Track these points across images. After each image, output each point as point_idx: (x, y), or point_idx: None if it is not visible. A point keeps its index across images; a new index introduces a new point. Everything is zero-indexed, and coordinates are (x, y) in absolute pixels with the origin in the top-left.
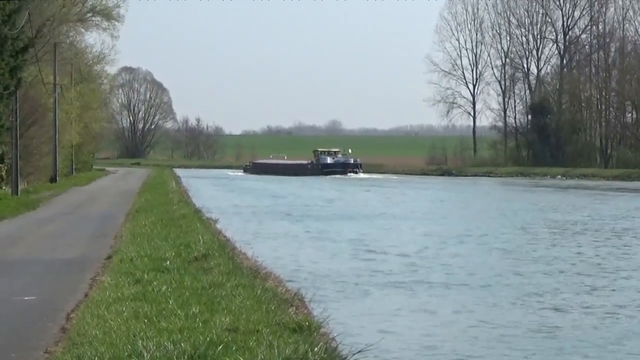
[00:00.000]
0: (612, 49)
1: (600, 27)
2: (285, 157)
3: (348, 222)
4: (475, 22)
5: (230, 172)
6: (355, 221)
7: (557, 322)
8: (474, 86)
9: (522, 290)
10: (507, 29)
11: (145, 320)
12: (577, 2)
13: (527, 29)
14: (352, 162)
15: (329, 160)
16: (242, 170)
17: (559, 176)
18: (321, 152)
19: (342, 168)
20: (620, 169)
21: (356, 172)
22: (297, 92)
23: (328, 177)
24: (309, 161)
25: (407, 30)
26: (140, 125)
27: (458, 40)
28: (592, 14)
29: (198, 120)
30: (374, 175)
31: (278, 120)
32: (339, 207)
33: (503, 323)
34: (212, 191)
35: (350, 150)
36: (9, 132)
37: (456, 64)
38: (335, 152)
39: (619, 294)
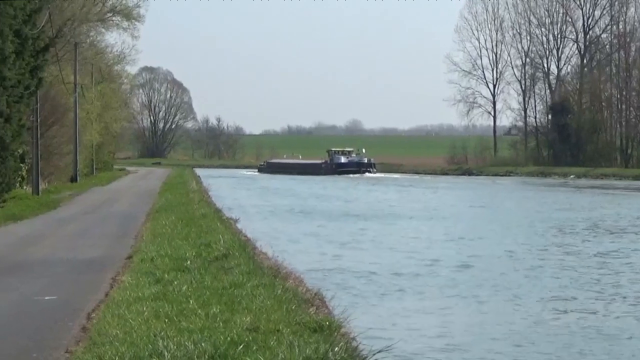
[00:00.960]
0: (633, 49)
1: (620, 26)
2: (300, 157)
3: (376, 221)
4: (496, 21)
5: (245, 172)
6: (378, 220)
7: None
8: (494, 86)
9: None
10: (528, 29)
11: (166, 320)
12: (597, 1)
13: (547, 28)
14: (366, 161)
15: (343, 159)
16: (257, 170)
17: (572, 176)
18: (335, 151)
19: (356, 167)
20: None
21: (370, 172)
22: (317, 92)
23: (342, 176)
24: (323, 161)
25: (428, 30)
26: (161, 125)
27: (478, 39)
28: (613, 13)
29: (218, 119)
30: (394, 175)
31: (298, 120)
32: (369, 208)
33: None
34: (233, 190)
35: (364, 150)
36: (29, 131)
37: (476, 64)
38: (349, 151)
39: None
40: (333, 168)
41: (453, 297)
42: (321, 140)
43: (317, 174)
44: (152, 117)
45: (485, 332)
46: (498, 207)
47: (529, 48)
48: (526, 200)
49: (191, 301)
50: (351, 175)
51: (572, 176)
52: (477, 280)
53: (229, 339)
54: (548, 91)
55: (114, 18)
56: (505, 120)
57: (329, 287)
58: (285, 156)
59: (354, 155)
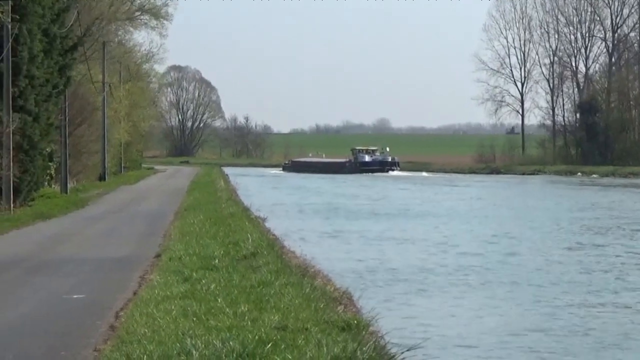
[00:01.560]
0: None
1: None
2: (324, 156)
3: (412, 220)
4: (524, 20)
5: (271, 171)
6: (412, 219)
7: None
8: (522, 84)
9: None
10: (556, 27)
11: (194, 319)
12: (625, 0)
13: (575, 27)
14: (389, 160)
15: (367, 158)
16: (281, 169)
17: (594, 175)
18: (359, 150)
19: (380, 166)
20: None
21: (394, 170)
22: (345, 91)
23: (368, 175)
24: (347, 159)
25: (456, 29)
26: (189, 124)
27: (506, 38)
28: None
29: (246, 118)
30: (423, 174)
31: (326, 119)
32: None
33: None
34: (262, 189)
35: (387, 149)
36: (58, 130)
37: (504, 63)
38: (373, 150)
39: None
40: (357, 167)
41: (487, 296)
42: (349, 139)
43: (341, 173)
44: (180, 116)
45: (518, 333)
46: (531, 206)
47: (557, 47)
48: (560, 198)
49: (219, 300)
50: (376, 174)
51: (594, 175)
52: (515, 280)
53: (257, 337)
54: (576, 90)
55: (142, 17)
56: (534, 118)
57: (358, 285)
58: (310, 155)
59: (377, 154)
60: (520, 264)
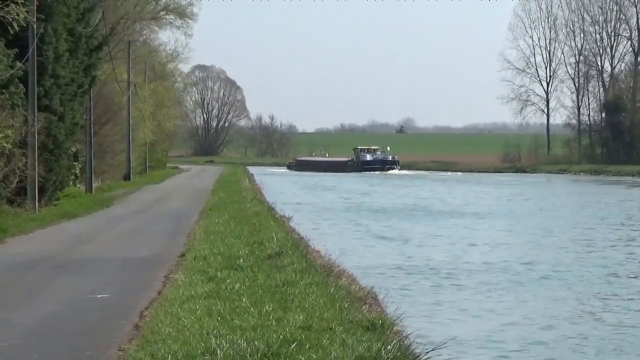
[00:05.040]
0: None
1: None
2: (327, 155)
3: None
4: (549, 19)
5: (275, 169)
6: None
7: None
8: (548, 84)
9: None
10: (581, 27)
11: (219, 318)
12: None
13: (601, 26)
14: (390, 159)
15: (368, 157)
16: (285, 167)
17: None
18: (361, 149)
19: (381, 165)
20: None
21: (394, 169)
22: (370, 90)
23: (371, 172)
24: (349, 158)
25: (481, 28)
26: (214, 123)
27: (532, 37)
28: None
29: (271, 118)
30: (449, 173)
31: (352, 118)
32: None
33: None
34: (287, 188)
35: (388, 148)
36: (83, 130)
37: (530, 62)
38: (374, 149)
39: None
40: (359, 165)
41: (517, 296)
42: (374, 138)
43: (343, 171)
44: (205, 115)
45: (545, 335)
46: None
47: (582, 46)
48: (586, 196)
49: (244, 299)
50: (376, 173)
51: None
52: (547, 279)
53: (281, 337)
54: (601, 89)
55: (167, 16)
56: (559, 118)
57: (383, 285)
58: (314, 154)
59: (378, 153)
60: (556, 266)
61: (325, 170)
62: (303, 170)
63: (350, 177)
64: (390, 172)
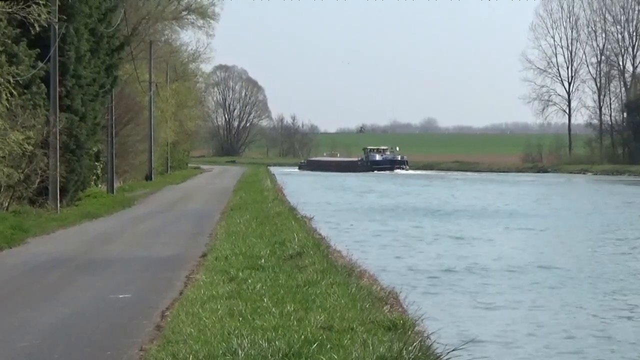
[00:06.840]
0: None
1: None
2: (338, 155)
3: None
4: (571, 19)
5: (285, 169)
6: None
7: None
8: (569, 84)
9: None
10: (603, 26)
11: (240, 318)
12: None
13: (622, 26)
14: (399, 159)
15: (378, 157)
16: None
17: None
18: (370, 149)
19: (390, 165)
20: None
21: (402, 169)
22: (392, 90)
23: (380, 172)
24: (359, 158)
25: (503, 28)
26: (236, 124)
27: (553, 37)
28: None
29: (293, 118)
30: (468, 174)
31: (373, 119)
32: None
33: None
34: (309, 189)
35: (397, 148)
36: (104, 130)
37: (551, 62)
38: (383, 149)
39: None
40: (368, 165)
41: (540, 298)
42: (395, 138)
43: (353, 171)
44: (226, 116)
45: (564, 339)
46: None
47: (604, 46)
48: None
49: (265, 299)
50: (386, 172)
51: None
52: (571, 281)
53: (303, 337)
54: (623, 89)
55: (189, 16)
56: (580, 118)
57: (404, 284)
58: (325, 154)
59: (388, 153)
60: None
61: (335, 170)
62: (314, 170)
63: (361, 176)
64: (397, 171)
